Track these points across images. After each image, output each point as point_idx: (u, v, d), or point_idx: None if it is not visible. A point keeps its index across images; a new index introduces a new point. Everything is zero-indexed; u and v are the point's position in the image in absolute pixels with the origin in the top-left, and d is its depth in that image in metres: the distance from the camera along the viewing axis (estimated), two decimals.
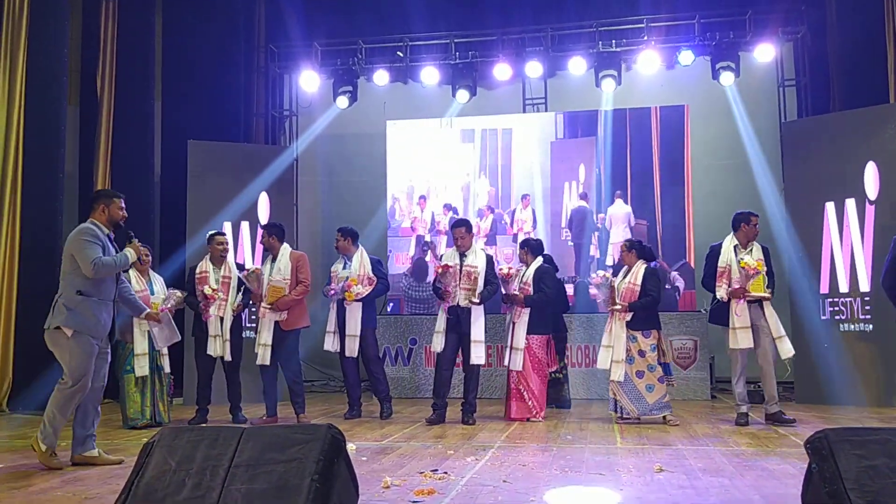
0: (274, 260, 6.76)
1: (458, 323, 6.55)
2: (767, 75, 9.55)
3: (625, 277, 6.64)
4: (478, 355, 6.53)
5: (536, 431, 6.14)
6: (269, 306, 6.59)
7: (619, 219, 9.24)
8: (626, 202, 9.22)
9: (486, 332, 6.62)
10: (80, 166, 9.22)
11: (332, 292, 6.98)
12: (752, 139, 9.67)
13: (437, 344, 6.58)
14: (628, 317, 6.54)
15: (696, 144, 9.18)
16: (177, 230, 8.65)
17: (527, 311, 6.71)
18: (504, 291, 6.85)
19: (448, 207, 9.67)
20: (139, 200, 8.78)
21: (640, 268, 6.62)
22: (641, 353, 6.51)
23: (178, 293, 6.56)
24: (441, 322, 6.59)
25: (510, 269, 6.90)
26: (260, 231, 8.61)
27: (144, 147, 9.04)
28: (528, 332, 6.69)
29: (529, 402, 6.73)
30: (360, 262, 7.01)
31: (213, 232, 6.99)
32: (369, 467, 4.62)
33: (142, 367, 6.63)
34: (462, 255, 6.63)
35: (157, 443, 2.98)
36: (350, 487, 3.03)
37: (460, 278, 6.55)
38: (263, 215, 8.80)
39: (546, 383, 6.89)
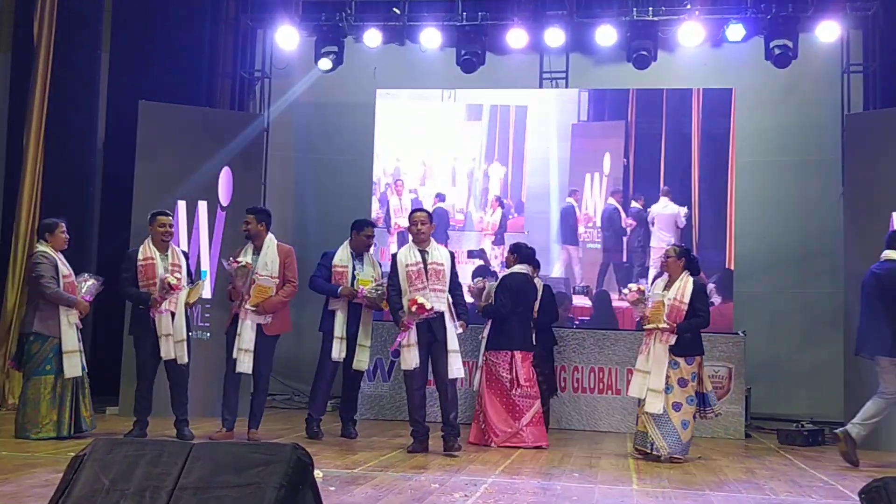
0: (257, 252, 6.72)
1: (430, 331, 6.52)
2: (830, 59, 9.56)
3: (666, 290, 6.62)
4: (457, 367, 6.51)
5: (538, 465, 6.14)
6: (253, 308, 6.56)
7: (665, 220, 9.19)
8: (672, 200, 9.18)
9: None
10: (9, 125, 9.19)
11: (360, 297, 7.15)
12: (808, 133, 9.71)
13: (411, 360, 6.50)
14: (672, 339, 6.49)
15: (741, 137, 9.19)
16: (120, 206, 8.61)
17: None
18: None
19: (440, 198, 9.65)
20: (77, 168, 8.81)
21: (687, 281, 6.59)
22: (682, 383, 6.52)
23: (94, 280, 6.65)
24: (413, 333, 6.52)
25: (483, 280, 7.35)
26: (221, 213, 8.64)
27: (87, 106, 8.98)
28: (487, 348, 7.17)
29: (482, 426, 7.12)
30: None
31: (155, 211, 6.93)
32: (338, 499, 4.61)
33: (73, 367, 6.63)
34: (423, 252, 6.59)
35: (89, 456, 2.95)
36: None
37: (427, 279, 6.51)
38: (224, 194, 8.77)
39: (505, 404, 7.14)
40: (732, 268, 9.00)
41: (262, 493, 2.77)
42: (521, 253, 7.56)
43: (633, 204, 9.27)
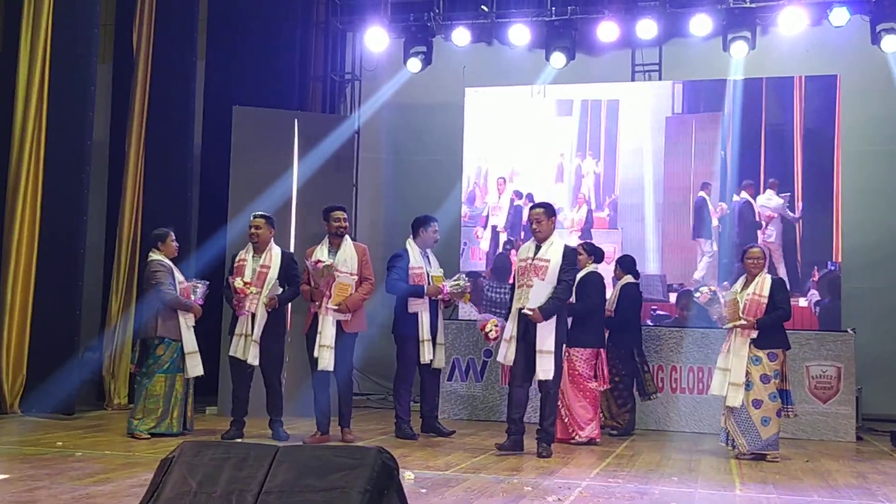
0: (334, 250, 6.75)
1: (528, 329, 6.37)
2: None
3: (745, 288, 6.61)
4: (544, 369, 6.26)
5: (634, 468, 5.96)
6: (336, 306, 6.59)
7: (772, 213, 8.88)
8: (777, 193, 8.86)
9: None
10: (111, 133, 9.47)
11: (445, 294, 7.19)
12: None
13: (509, 355, 6.39)
14: (754, 334, 6.48)
15: (846, 126, 8.77)
16: (217, 209, 8.78)
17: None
18: None
19: (525, 196, 9.49)
20: (176, 173, 9.02)
21: (765, 278, 6.63)
22: (765, 379, 6.46)
23: (202, 284, 6.89)
24: (510, 327, 6.42)
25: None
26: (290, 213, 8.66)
27: (184, 112, 9.18)
28: (569, 345, 6.88)
29: (566, 420, 7.11)
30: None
31: (255, 213, 7.02)
32: (428, 502, 4.54)
33: (195, 367, 6.91)
34: (538, 247, 6.43)
35: (177, 459, 2.96)
36: None
37: (531, 275, 6.35)
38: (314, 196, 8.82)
39: (592, 401, 7.20)
40: (839, 263, 8.59)
41: (347, 498, 2.72)
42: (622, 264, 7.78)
43: (735, 197, 8.95)
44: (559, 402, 6.92)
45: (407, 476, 5.14)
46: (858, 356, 8.14)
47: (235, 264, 6.85)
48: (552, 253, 6.35)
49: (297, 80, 10.04)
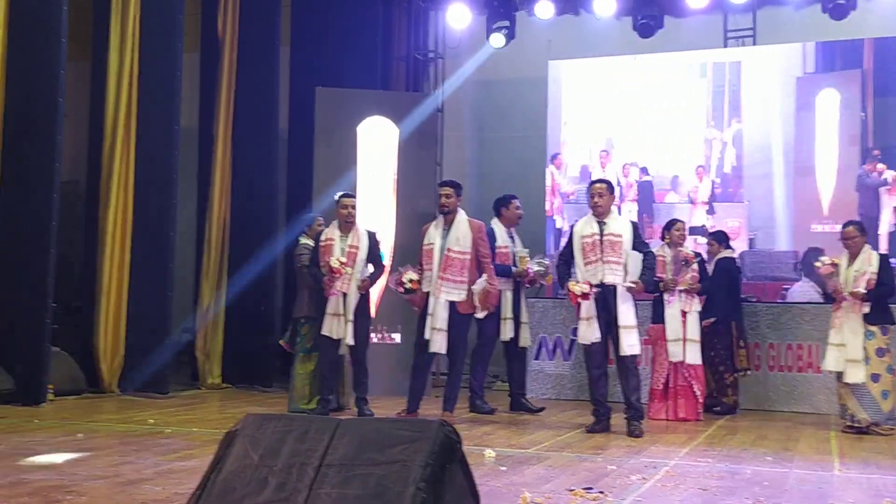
0: (447, 227, 6.67)
1: (606, 305, 6.19)
2: None
3: (850, 265, 6.58)
4: (630, 344, 6.15)
5: (727, 447, 5.73)
6: (485, 312, 6.66)
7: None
8: None
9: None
10: (200, 119, 9.63)
11: (530, 274, 7.20)
12: None
13: (589, 334, 6.21)
14: (866, 308, 6.45)
15: None
16: (303, 190, 8.84)
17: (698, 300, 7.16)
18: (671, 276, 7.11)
19: (644, 171, 9.14)
20: (262, 157, 9.13)
21: (871, 254, 6.61)
22: (880, 352, 6.43)
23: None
24: (589, 305, 6.21)
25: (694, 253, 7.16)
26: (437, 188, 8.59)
27: (269, 97, 9.27)
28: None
29: (680, 402, 7.09)
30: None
31: (341, 193, 7.00)
32: (508, 479, 4.44)
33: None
34: (601, 223, 6.27)
35: (240, 432, 2.93)
36: (468, 500, 2.85)
37: (602, 251, 6.18)
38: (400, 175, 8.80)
39: None
40: None
41: (408, 471, 2.63)
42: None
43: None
44: (694, 381, 7.08)
45: (487, 454, 5.05)
46: None
47: (322, 244, 6.82)
48: (621, 228, 6.25)
49: (379, 61, 9.99)
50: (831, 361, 6.53)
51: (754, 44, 9.28)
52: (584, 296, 6.15)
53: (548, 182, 9.50)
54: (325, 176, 8.51)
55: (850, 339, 6.42)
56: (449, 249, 6.56)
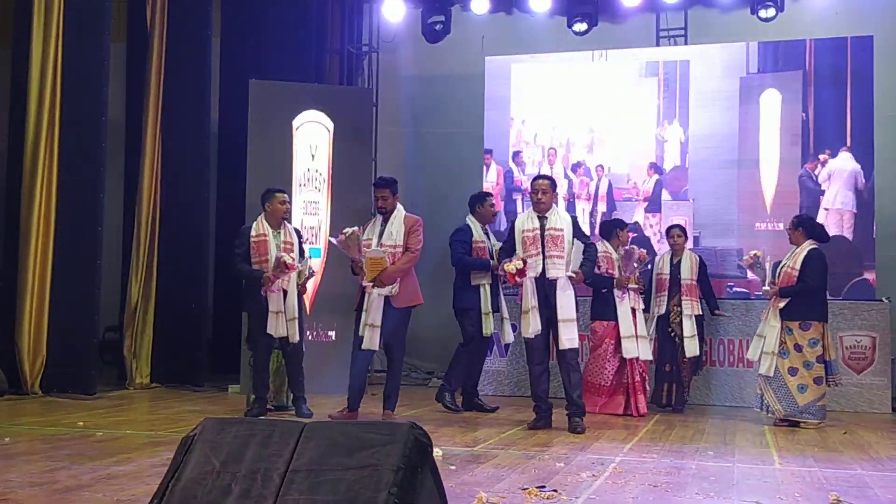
0: (385, 224, 6.57)
1: (547, 299, 6.21)
2: None
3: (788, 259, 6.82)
4: (569, 338, 6.17)
5: (668, 442, 5.80)
6: (370, 283, 6.36)
7: (841, 177, 8.43)
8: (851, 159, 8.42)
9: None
10: (127, 112, 9.34)
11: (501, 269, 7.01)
12: None
13: (531, 327, 6.20)
14: (782, 304, 6.66)
15: (880, 89, 8.47)
16: (237, 185, 8.63)
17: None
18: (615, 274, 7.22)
19: (597, 168, 9.15)
20: (193, 150, 8.90)
21: (803, 250, 6.75)
22: (798, 348, 6.63)
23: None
24: (530, 297, 6.20)
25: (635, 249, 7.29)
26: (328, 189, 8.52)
27: (200, 89, 9.01)
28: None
29: (635, 398, 7.22)
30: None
31: (273, 188, 6.83)
32: (459, 479, 4.40)
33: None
34: (542, 218, 6.30)
35: (199, 436, 2.81)
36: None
37: (543, 245, 6.21)
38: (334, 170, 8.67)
39: None
40: (874, 230, 8.33)
41: (379, 476, 2.56)
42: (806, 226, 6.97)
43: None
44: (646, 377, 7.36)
45: (435, 453, 4.98)
46: (893, 326, 7.93)
47: (255, 240, 6.65)
48: (562, 222, 6.31)
49: (313, 54, 9.84)
50: (752, 351, 6.96)
51: (686, 43, 9.42)
52: (520, 272, 6.12)
53: (492, 178, 9.45)
54: (258, 170, 8.33)
55: (768, 332, 6.71)
56: (381, 245, 6.45)
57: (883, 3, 8.85)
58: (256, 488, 2.61)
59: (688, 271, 7.50)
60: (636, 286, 7.29)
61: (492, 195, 7.76)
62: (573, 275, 6.21)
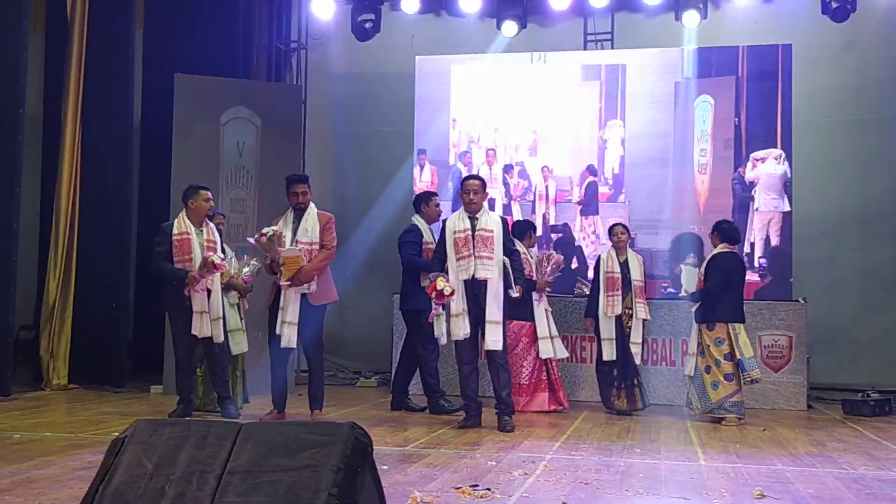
0: (297, 220, 6.44)
1: (476, 299, 6.24)
2: (890, 12, 9.05)
3: None
4: (494, 339, 6.20)
5: (596, 440, 5.87)
6: (288, 282, 6.22)
7: (769, 180, 8.65)
8: (780, 162, 8.65)
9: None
10: (45, 104, 9.04)
11: None
12: (866, 91, 9.24)
13: (459, 330, 6.21)
14: (695, 307, 7.07)
15: (796, 96, 8.76)
16: (159, 180, 8.43)
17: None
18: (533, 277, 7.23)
19: (591, 170, 9.14)
20: (115, 144, 8.66)
21: (711, 255, 7.10)
22: (709, 348, 6.94)
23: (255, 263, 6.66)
24: (460, 300, 6.22)
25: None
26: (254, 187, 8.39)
27: (123, 82, 8.77)
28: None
29: (560, 393, 7.45)
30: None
31: (197, 185, 6.65)
32: (392, 479, 4.37)
33: (238, 344, 6.82)
34: (473, 219, 6.33)
35: (130, 438, 2.72)
36: None
37: (474, 246, 6.24)
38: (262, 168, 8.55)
39: None
40: (790, 233, 8.60)
41: (319, 477, 2.52)
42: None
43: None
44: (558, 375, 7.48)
45: None
46: (810, 326, 8.19)
47: (177, 238, 6.47)
48: (492, 223, 6.34)
49: (240, 49, 9.67)
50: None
51: (612, 47, 9.57)
52: (441, 296, 6.09)
53: (426, 178, 9.42)
54: (183, 167, 8.14)
55: (692, 334, 7.12)
56: (297, 241, 6.34)
57: (800, 13, 9.12)
58: (191, 491, 2.54)
59: (637, 272, 7.42)
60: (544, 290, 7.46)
61: (437, 195, 7.63)
62: (517, 294, 6.26)
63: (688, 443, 5.90)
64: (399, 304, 7.53)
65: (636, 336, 7.32)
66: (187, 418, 5.95)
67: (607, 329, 7.33)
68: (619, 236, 7.51)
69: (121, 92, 8.76)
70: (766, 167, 8.72)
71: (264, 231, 6.26)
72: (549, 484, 4.36)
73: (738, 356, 6.83)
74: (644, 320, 7.40)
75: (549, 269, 7.32)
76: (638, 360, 7.33)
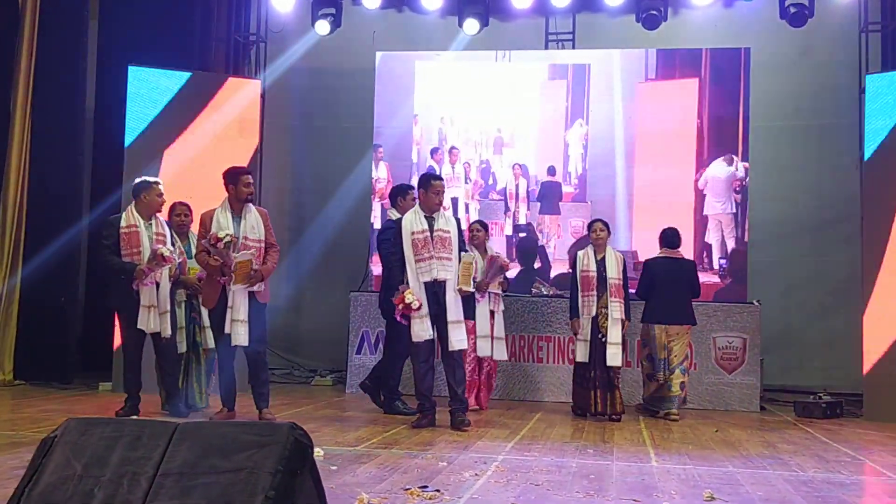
0: (237, 217, 6.21)
1: (437, 299, 6.20)
2: (847, 18, 9.13)
3: None
4: (458, 339, 6.19)
5: (549, 440, 5.83)
6: (244, 286, 6.05)
7: (716, 184, 8.70)
8: (728, 164, 8.71)
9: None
10: None
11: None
12: (823, 96, 9.33)
13: (422, 332, 6.16)
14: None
15: (753, 100, 8.81)
16: (112, 174, 8.24)
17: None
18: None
19: (551, 172, 9.09)
20: (66, 136, 8.48)
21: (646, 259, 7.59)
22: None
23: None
24: (423, 302, 6.16)
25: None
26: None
27: (75, 73, 8.60)
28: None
29: (482, 394, 7.42)
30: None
31: (150, 179, 6.52)
32: (340, 479, 4.29)
33: (179, 343, 6.58)
34: (430, 219, 6.27)
35: (60, 438, 2.61)
36: None
37: (433, 246, 6.19)
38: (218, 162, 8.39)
39: None
40: (746, 236, 8.65)
41: (256, 480, 2.43)
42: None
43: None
44: (493, 375, 7.53)
45: (316, 453, 4.85)
46: (765, 328, 8.25)
47: (125, 231, 6.29)
48: (448, 224, 6.32)
49: (197, 41, 9.50)
50: None
51: (574, 47, 9.56)
52: (408, 309, 6.04)
53: (382, 175, 9.32)
54: (136, 159, 7.99)
55: None
56: (246, 238, 6.18)
57: (759, 18, 9.17)
58: (122, 494, 2.43)
59: (614, 270, 7.07)
60: (497, 291, 7.28)
61: (413, 188, 7.05)
62: (480, 297, 6.34)
63: (641, 444, 5.88)
64: (378, 301, 7.36)
65: (613, 337, 6.94)
66: (123, 417, 5.78)
67: (584, 330, 7.05)
68: (599, 233, 7.19)
69: (73, 81, 8.59)
70: (713, 170, 8.79)
71: (220, 236, 6.01)
72: (499, 485, 4.31)
73: (659, 357, 7.18)
74: (622, 321, 7.01)
75: (491, 272, 7.16)
76: (616, 363, 6.93)
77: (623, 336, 7.02)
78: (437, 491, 4.06)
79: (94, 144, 9.14)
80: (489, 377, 7.45)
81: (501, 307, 7.37)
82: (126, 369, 6.43)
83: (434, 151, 9.33)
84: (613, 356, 6.92)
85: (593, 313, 7.03)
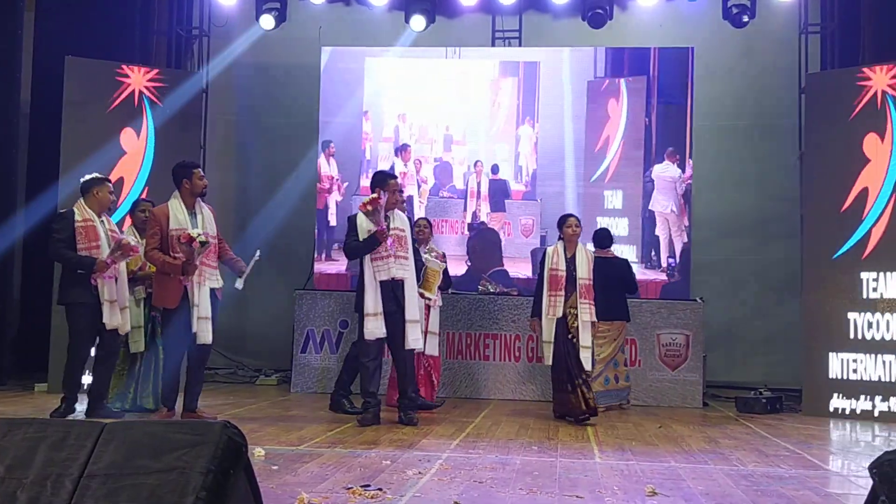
0: (192, 213, 6.06)
1: (396, 299, 6.18)
2: (788, 19, 9.26)
3: None
4: (414, 338, 6.21)
5: (494, 437, 5.82)
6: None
7: (663, 184, 8.76)
8: (676, 164, 8.75)
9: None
10: None
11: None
12: (764, 96, 9.46)
13: (376, 330, 6.13)
14: None
15: (696, 100, 8.90)
16: (49, 168, 8.02)
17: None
18: None
19: (494, 170, 9.04)
20: (0, 130, 8.20)
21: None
22: None
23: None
24: (377, 301, 6.15)
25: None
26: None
27: (9, 65, 8.36)
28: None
29: (436, 388, 7.36)
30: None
31: (100, 176, 6.37)
32: (281, 479, 4.21)
33: (136, 342, 6.48)
34: (386, 218, 6.23)
35: None
36: None
37: (389, 245, 6.17)
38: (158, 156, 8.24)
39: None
40: (689, 234, 8.74)
41: (187, 479, 2.35)
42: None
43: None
44: (432, 370, 7.31)
45: (257, 453, 4.78)
46: (709, 325, 8.35)
47: (81, 225, 6.11)
48: (403, 223, 6.33)
49: (137, 33, 9.28)
50: None
51: (520, 45, 9.56)
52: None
53: (333, 172, 9.21)
54: (73, 154, 7.79)
55: None
56: (206, 235, 6.07)
57: (702, 18, 9.27)
58: (45, 496, 2.34)
59: (584, 270, 6.71)
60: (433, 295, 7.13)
61: (396, 175, 6.96)
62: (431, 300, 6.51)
63: (585, 440, 5.89)
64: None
65: (585, 340, 6.59)
66: (54, 418, 5.62)
67: (547, 331, 6.65)
68: (574, 228, 6.76)
69: (8, 74, 8.33)
70: (660, 168, 8.85)
71: (193, 235, 5.84)
72: (442, 483, 4.27)
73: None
74: (592, 322, 6.70)
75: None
76: (588, 367, 6.63)
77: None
78: (380, 489, 4.01)
79: (29, 139, 8.87)
80: (429, 374, 7.34)
81: (439, 303, 7.29)
82: (72, 369, 6.20)
83: (403, 149, 9.19)
84: (585, 360, 6.61)
85: (559, 314, 6.63)
